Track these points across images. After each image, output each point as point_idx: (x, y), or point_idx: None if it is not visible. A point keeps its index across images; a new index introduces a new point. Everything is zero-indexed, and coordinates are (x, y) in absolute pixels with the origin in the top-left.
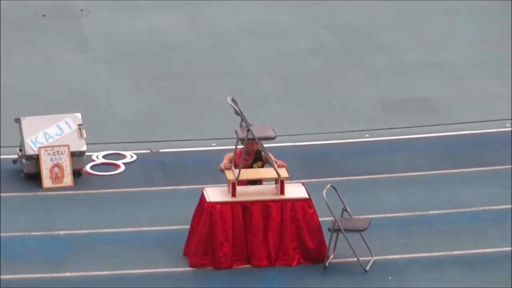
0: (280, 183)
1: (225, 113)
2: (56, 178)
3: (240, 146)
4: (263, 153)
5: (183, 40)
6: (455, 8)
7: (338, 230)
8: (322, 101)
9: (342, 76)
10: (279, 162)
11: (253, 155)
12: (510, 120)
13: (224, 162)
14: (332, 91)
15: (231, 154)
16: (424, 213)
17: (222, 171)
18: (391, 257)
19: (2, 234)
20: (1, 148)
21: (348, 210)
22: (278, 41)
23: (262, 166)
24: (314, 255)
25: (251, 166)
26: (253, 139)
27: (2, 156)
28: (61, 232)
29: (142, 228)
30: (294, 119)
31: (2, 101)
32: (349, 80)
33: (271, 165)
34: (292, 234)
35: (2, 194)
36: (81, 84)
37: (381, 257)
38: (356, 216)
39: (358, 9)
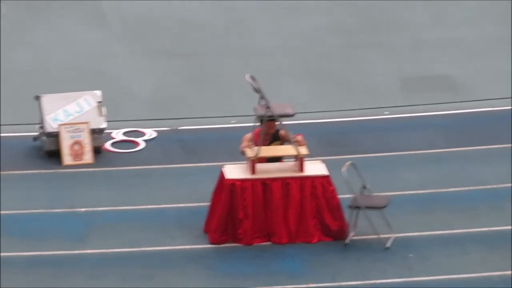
0: (299, 160)
1: (244, 90)
2: (76, 155)
3: (257, 126)
4: (280, 131)
5: (201, 18)
6: None
7: (358, 207)
8: (341, 78)
9: (361, 54)
10: (297, 137)
11: (270, 135)
12: None
13: (244, 144)
14: (351, 68)
15: (249, 135)
16: (444, 190)
17: (243, 153)
18: (411, 234)
19: (22, 211)
20: (21, 126)
21: (368, 187)
22: (297, 19)
23: (281, 145)
24: (335, 232)
25: (268, 146)
26: (272, 116)
27: (22, 134)
28: (81, 209)
29: (162, 206)
30: (312, 96)
31: (21, 79)
32: (368, 58)
33: (290, 142)
34: (312, 211)
35: (22, 172)
36: (100, 62)
37: (401, 234)
38: (376, 194)
39: None
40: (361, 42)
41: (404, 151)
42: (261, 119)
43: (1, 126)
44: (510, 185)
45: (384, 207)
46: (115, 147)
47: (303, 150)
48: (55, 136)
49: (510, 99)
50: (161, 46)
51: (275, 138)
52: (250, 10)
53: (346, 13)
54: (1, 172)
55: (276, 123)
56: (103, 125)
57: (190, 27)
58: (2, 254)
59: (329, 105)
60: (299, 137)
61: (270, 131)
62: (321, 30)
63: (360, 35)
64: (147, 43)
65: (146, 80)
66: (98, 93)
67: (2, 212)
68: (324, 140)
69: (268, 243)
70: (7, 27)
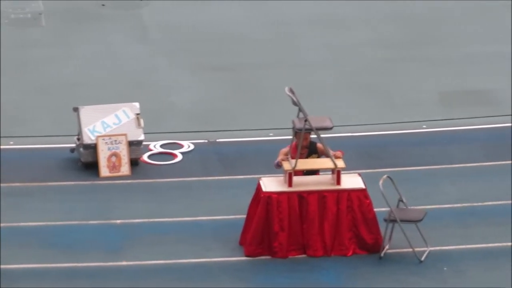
0: (336, 173)
1: (283, 104)
2: (114, 167)
3: (295, 140)
4: (318, 144)
5: (243, 31)
6: None
7: (393, 221)
8: (381, 92)
9: (402, 67)
10: (337, 152)
11: (307, 149)
12: None
13: (280, 158)
14: (391, 82)
15: (286, 149)
16: (481, 204)
17: (278, 166)
18: (446, 248)
19: (59, 223)
20: (60, 137)
21: (404, 201)
22: (340, 33)
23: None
24: (370, 245)
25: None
26: (311, 129)
27: (60, 145)
28: (118, 221)
29: (199, 218)
30: (352, 109)
31: (62, 91)
32: (409, 72)
33: (327, 155)
34: (348, 224)
35: (59, 183)
36: (140, 75)
37: (437, 248)
38: (412, 207)
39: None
40: (403, 56)
41: (442, 164)
42: (295, 132)
43: (41, 138)
44: None
45: (420, 220)
46: (153, 159)
47: (340, 163)
48: (92, 148)
49: None
50: (202, 59)
51: (312, 151)
52: (294, 23)
53: (389, 27)
54: (40, 184)
55: (311, 136)
56: (141, 137)
57: (232, 40)
58: (39, 265)
59: (368, 119)
60: (339, 153)
61: (304, 143)
62: (363, 44)
63: (402, 49)
64: (188, 56)
65: (185, 93)
66: (136, 105)
67: (39, 223)
68: (362, 153)
69: (303, 256)
70: (49, 40)
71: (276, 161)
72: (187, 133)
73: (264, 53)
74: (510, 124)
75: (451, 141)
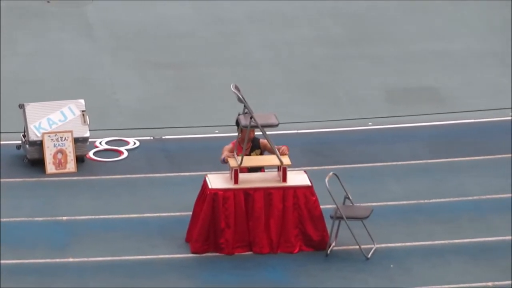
0: (282, 170)
1: (228, 101)
2: (60, 164)
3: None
4: (261, 140)
5: (188, 28)
6: None
7: (340, 218)
8: (326, 89)
9: (347, 65)
10: (282, 148)
11: (250, 143)
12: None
13: (225, 154)
14: (336, 79)
15: (230, 146)
16: (426, 201)
17: (224, 162)
18: (393, 245)
19: (5, 219)
20: (5, 134)
21: (350, 198)
22: (284, 30)
23: (261, 154)
24: (316, 242)
25: (249, 155)
26: (256, 126)
27: (5, 142)
28: (64, 218)
29: (145, 215)
30: (297, 107)
31: (6, 88)
32: (354, 69)
33: (273, 152)
34: (294, 222)
35: (5, 180)
36: (85, 72)
37: (383, 245)
38: (358, 204)
39: None
40: (347, 54)
41: (387, 161)
42: (241, 129)
43: None
44: (493, 196)
45: (366, 217)
46: (99, 156)
47: (286, 161)
48: (38, 145)
49: (494, 111)
50: (147, 57)
51: (255, 146)
52: (238, 21)
53: (333, 25)
54: None
55: (252, 134)
56: (87, 134)
57: (176, 38)
58: None
59: (314, 116)
60: (285, 149)
61: (250, 136)
62: (308, 41)
63: (346, 47)
64: (133, 53)
65: (131, 90)
66: (82, 102)
67: None
68: (307, 150)
69: (250, 253)
70: None
71: (222, 157)
72: (132, 130)
73: (209, 51)
74: (456, 121)
75: (396, 138)
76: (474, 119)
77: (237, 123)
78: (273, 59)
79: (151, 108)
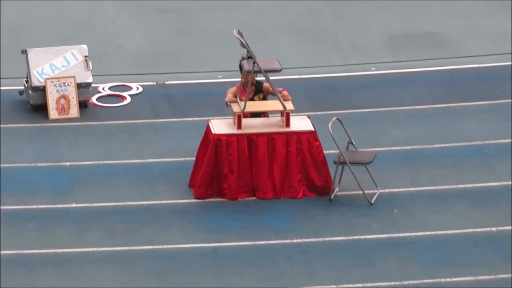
0: (285, 115)
1: (231, 46)
2: (62, 109)
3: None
4: (264, 84)
5: None
6: None
7: (343, 163)
8: (329, 35)
9: (350, 11)
10: (283, 92)
11: (253, 87)
12: None
13: (229, 96)
14: (339, 25)
15: (234, 89)
16: (430, 146)
17: (228, 105)
18: (396, 190)
19: (7, 165)
20: (7, 80)
21: (354, 143)
22: None
23: (264, 98)
24: (320, 187)
25: (252, 99)
26: (259, 71)
27: (9, 87)
28: (67, 163)
29: (148, 160)
30: (300, 52)
31: (8, 33)
32: (356, 14)
33: (276, 96)
34: (297, 167)
35: (8, 125)
36: (87, 17)
37: (386, 190)
38: (361, 149)
39: None
40: None
41: (390, 107)
42: (245, 74)
43: None
44: (495, 141)
45: (370, 162)
46: (102, 102)
47: (289, 106)
48: (41, 90)
49: (496, 56)
50: (149, 2)
51: (258, 90)
52: None
53: None
54: None
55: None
56: (90, 79)
57: None
58: None
59: (317, 61)
60: (285, 92)
61: (253, 81)
62: None
63: None
64: None
65: (133, 35)
66: (84, 47)
67: None
68: (310, 96)
69: (253, 198)
70: None
71: (225, 99)
72: (135, 76)
73: None
74: (458, 66)
75: (399, 83)
76: (476, 64)
77: (240, 68)
78: (276, 5)
79: (154, 53)
